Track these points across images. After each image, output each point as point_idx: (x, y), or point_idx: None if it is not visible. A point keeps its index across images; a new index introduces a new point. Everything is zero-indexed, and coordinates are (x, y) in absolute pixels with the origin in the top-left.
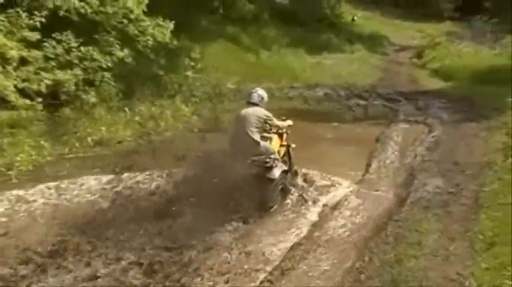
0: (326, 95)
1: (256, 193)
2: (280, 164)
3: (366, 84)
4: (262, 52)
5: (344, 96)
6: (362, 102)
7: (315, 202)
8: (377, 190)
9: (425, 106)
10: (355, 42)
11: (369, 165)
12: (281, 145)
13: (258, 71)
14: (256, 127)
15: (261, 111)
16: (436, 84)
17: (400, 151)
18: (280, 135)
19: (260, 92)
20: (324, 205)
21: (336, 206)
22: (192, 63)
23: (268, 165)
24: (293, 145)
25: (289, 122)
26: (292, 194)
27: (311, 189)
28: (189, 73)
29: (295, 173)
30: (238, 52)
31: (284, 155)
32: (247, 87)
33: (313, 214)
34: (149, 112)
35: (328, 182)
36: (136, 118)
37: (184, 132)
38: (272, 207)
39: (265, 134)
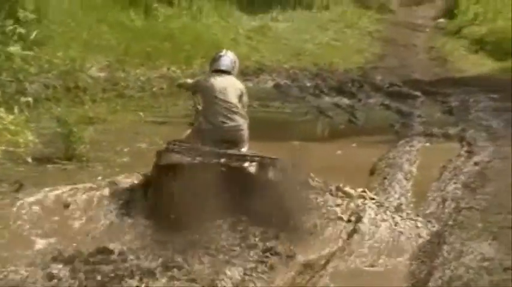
0: (278, 89)
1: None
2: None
3: (351, 68)
4: (154, 9)
5: (312, 91)
6: (346, 101)
7: None
8: (372, 266)
9: (462, 107)
10: None
11: (357, 219)
12: None
13: (147, 45)
14: (239, 105)
15: (238, 83)
16: (481, 66)
17: (416, 192)
18: None
19: (232, 56)
20: None
21: None
22: (21, 30)
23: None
24: None
25: None
26: None
27: None
28: (15, 49)
29: None
30: (109, 9)
31: None
32: (130, 77)
33: None
34: None
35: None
36: None
37: (6, 165)
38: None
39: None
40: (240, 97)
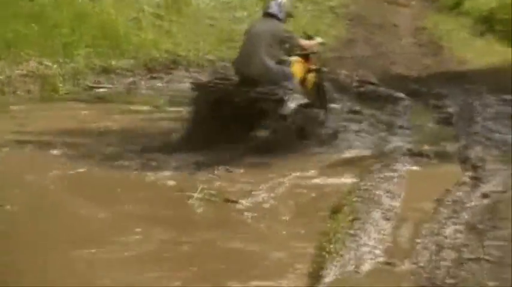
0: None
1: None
2: (297, 95)
3: None
4: None
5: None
6: None
7: None
8: None
9: (464, 114)
10: None
11: None
12: (309, 70)
13: (6, 29)
14: (271, 47)
15: (279, 27)
16: (489, 54)
17: (400, 237)
18: (307, 58)
19: (281, 0)
20: None
21: None
22: None
23: (278, 97)
24: (324, 68)
25: (319, 40)
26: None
27: None
28: None
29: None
30: None
31: (314, 84)
32: None
33: None
34: None
35: None
36: None
37: None
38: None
39: (284, 57)
40: (278, 40)
